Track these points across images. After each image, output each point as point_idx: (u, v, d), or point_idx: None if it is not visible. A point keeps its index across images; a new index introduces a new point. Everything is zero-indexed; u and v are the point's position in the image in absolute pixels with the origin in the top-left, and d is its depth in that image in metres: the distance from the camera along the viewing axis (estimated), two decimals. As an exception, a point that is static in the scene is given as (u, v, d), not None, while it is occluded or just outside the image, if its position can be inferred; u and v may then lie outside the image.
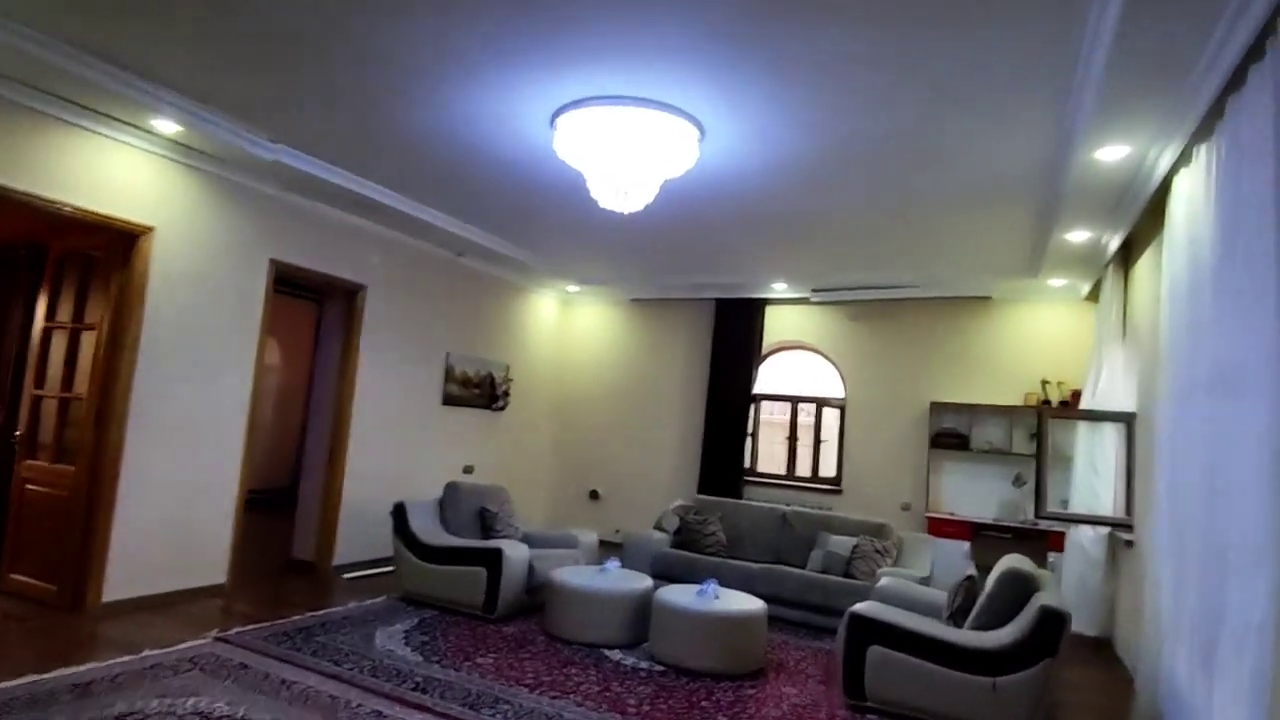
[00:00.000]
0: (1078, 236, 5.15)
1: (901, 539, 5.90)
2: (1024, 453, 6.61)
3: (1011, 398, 6.82)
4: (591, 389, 8.80)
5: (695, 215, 5.62)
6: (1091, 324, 6.44)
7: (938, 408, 7.01)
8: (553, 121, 3.93)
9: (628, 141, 3.80)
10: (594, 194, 4.14)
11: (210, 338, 5.01)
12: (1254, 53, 2.60)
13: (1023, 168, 4.18)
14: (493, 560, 4.93)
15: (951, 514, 6.80)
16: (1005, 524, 6.50)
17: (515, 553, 5.03)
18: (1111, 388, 5.47)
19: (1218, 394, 2.81)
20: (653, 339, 8.51)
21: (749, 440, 7.94)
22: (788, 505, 7.08)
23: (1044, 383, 6.66)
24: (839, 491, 7.44)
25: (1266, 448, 2.35)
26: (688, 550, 6.15)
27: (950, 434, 6.89)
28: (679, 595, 4.44)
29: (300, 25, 3.27)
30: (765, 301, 7.90)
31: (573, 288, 8.60)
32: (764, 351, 8.02)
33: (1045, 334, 6.84)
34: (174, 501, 4.82)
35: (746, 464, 7.97)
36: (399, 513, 5.33)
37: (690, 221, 5.80)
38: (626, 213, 4.14)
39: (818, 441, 7.78)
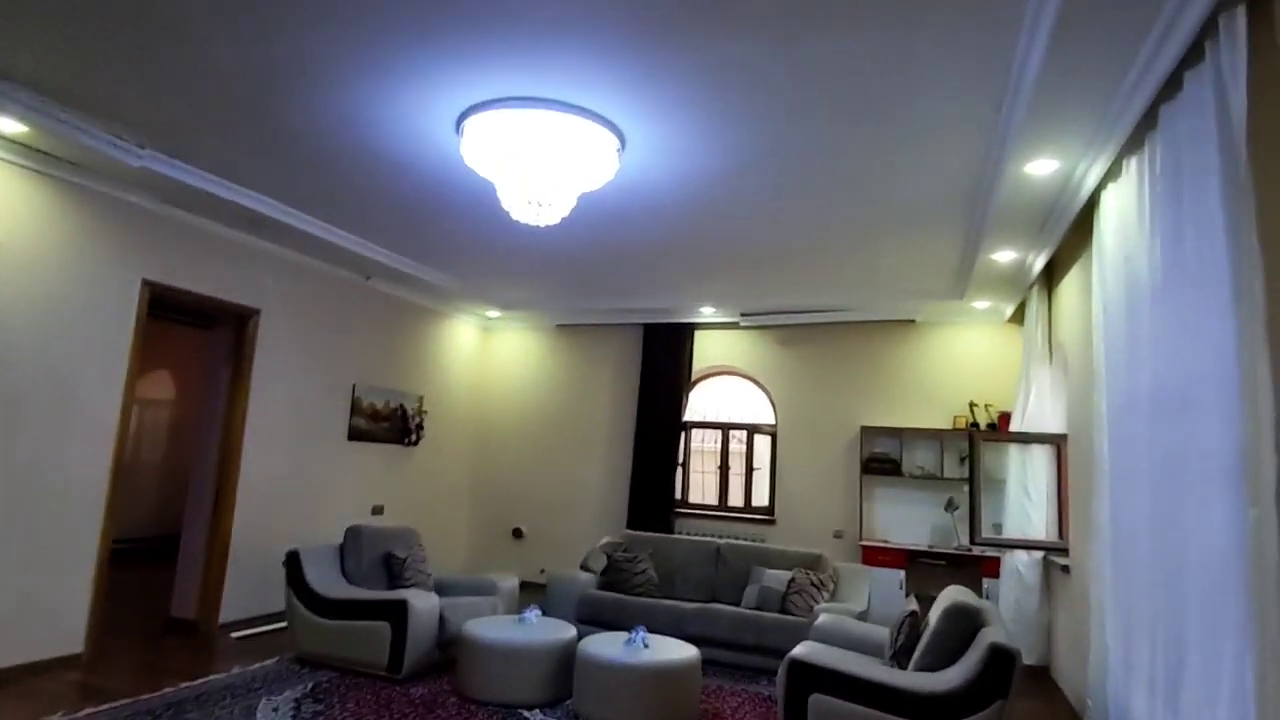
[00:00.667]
0: (1004, 257, 5.10)
1: (838, 570, 5.68)
2: (955, 477, 6.53)
3: (940, 421, 6.76)
4: (514, 421, 8.35)
5: (617, 235, 5.34)
6: (1015, 345, 6.46)
7: (869, 432, 6.89)
8: (459, 125, 3.58)
9: (541, 148, 3.49)
10: (505, 205, 3.80)
11: (63, 370, 4.38)
12: (1190, 57, 2.50)
13: (951, 185, 4.08)
14: (397, 613, 4.43)
15: (885, 541, 6.64)
16: (939, 550, 6.38)
17: (423, 603, 4.54)
18: (1040, 409, 5.43)
19: (1167, 413, 2.67)
20: (579, 366, 8.15)
21: (679, 470, 7.64)
22: (721, 538, 6.80)
23: (972, 405, 6.62)
24: (772, 521, 7.21)
25: (1225, 466, 2.18)
26: (617, 591, 5.76)
27: (882, 459, 6.77)
28: (605, 646, 4.05)
29: (172, 12, 2.84)
30: (694, 326, 7.67)
31: (493, 313, 8.18)
32: (694, 378, 7.77)
33: (971, 356, 6.83)
34: (11, 561, 4.14)
35: (678, 495, 7.66)
36: (292, 562, 4.77)
37: (613, 241, 5.52)
38: (542, 226, 3.82)
39: (749, 470, 7.54)
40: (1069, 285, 4.84)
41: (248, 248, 5.60)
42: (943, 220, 4.66)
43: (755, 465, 7.55)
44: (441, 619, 4.64)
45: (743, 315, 7.37)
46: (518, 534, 8.07)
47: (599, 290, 7.13)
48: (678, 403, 7.52)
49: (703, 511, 7.53)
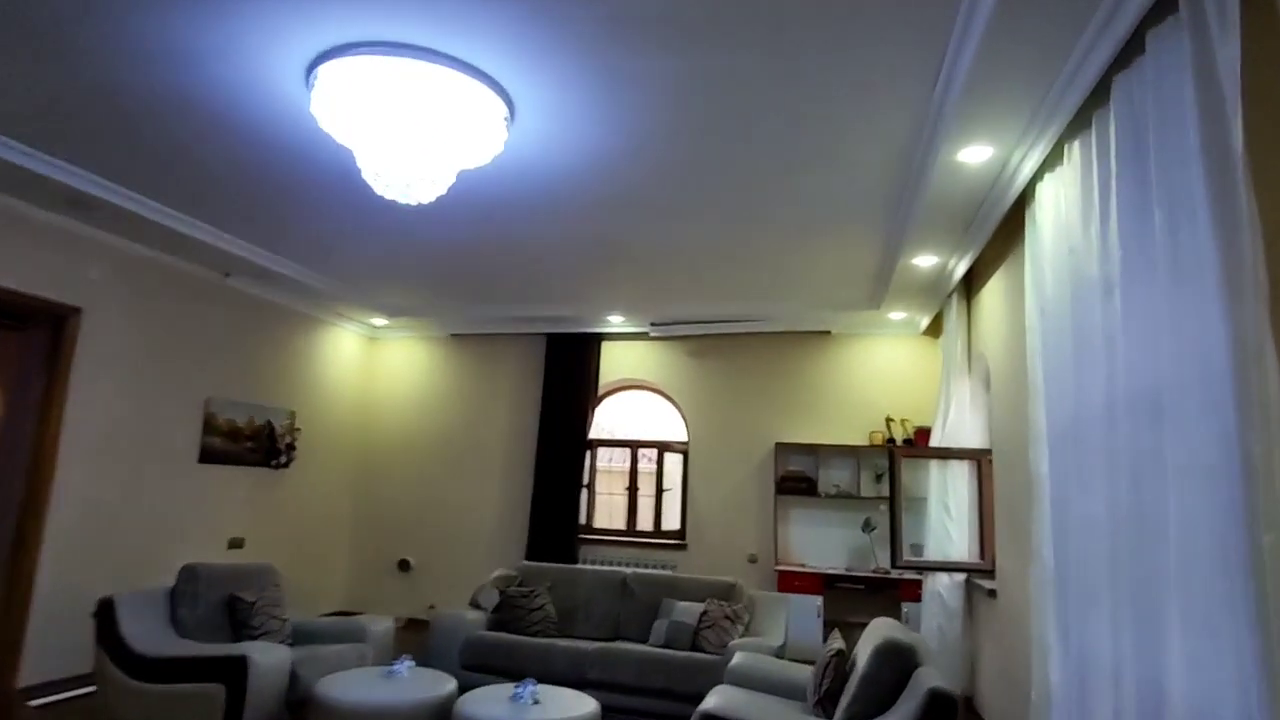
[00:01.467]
0: (925, 262, 4.84)
1: (753, 599, 5.23)
2: (871, 495, 6.24)
3: (857, 437, 6.48)
4: (402, 441, 7.57)
5: (511, 229, 4.79)
6: (932, 358, 6.26)
7: (783, 449, 6.53)
8: (309, 75, 2.95)
9: (411, 108, 2.90)
10: (366, 177, 3.18)
11: None
12: (1153, 15, 2.19)
13: (875, 178, 3.75)
14: (234, 671, 3.64)
15: (802, 565, 6.27)
16: (857, 574, 6.04)
17: (269, 658, 3.77)
18: (960, 423, 5.18)
19: (1133, 421, 2.32)
20: (476, 380, 7.47)
21: (585, 493, 7.06)
22: (630, 567, 6.28)
23: (888, 420, 6.37)
24: (683, 546, 6.72)
25: (1216, 482, 1.82)
26: (509, 631, 5.11)
27: (796, 477, 6.41)
28: (488, 704, 3.43)
29: None
30: (601, 336, 7.15)
31: (379, 321, 7.41)
32: (601, 392, 7.24)
33: (887, 370, 6.60)
34: None
35: (583, 520, 7.08)
36: (105, 613, 3.91)
37: (506, 237, 4.96)
38: (413, 204, 3.21)
39: (659, 491, 7.05)
40: (991, 293, 4.61)
41: (68, 234, 4.71)
42: (863, 219, 4.33)
43: (666, 486, 7.06)
44: (293, 676, 3.87)
45: (652, 325, 6.91)
46: (404, 566, 7.27)
47: (496, 296, 6.52)
48: (583, 419, 6.96)
49: (611, 537, 6.96)
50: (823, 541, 6.39)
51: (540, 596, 5.32)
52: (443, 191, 3.20)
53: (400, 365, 7.73)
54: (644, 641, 5.05)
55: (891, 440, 6.29)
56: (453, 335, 7.59)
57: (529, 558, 6.77)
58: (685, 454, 6.94)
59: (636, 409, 7.44)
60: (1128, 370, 2.38)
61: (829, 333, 6.70)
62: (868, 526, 6.20)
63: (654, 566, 6.57)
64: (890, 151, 3.45)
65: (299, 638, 4.50)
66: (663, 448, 7.12)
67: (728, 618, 4.91)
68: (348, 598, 7.36)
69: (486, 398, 7.40)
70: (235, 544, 6.01)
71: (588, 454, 7.01)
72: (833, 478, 6.45)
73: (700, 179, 3.87)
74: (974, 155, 3.30)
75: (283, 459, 6.45)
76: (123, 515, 5.09)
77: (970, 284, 5.17)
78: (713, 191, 4.02)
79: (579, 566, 5.63)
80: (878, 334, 6.65)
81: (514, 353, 7.41)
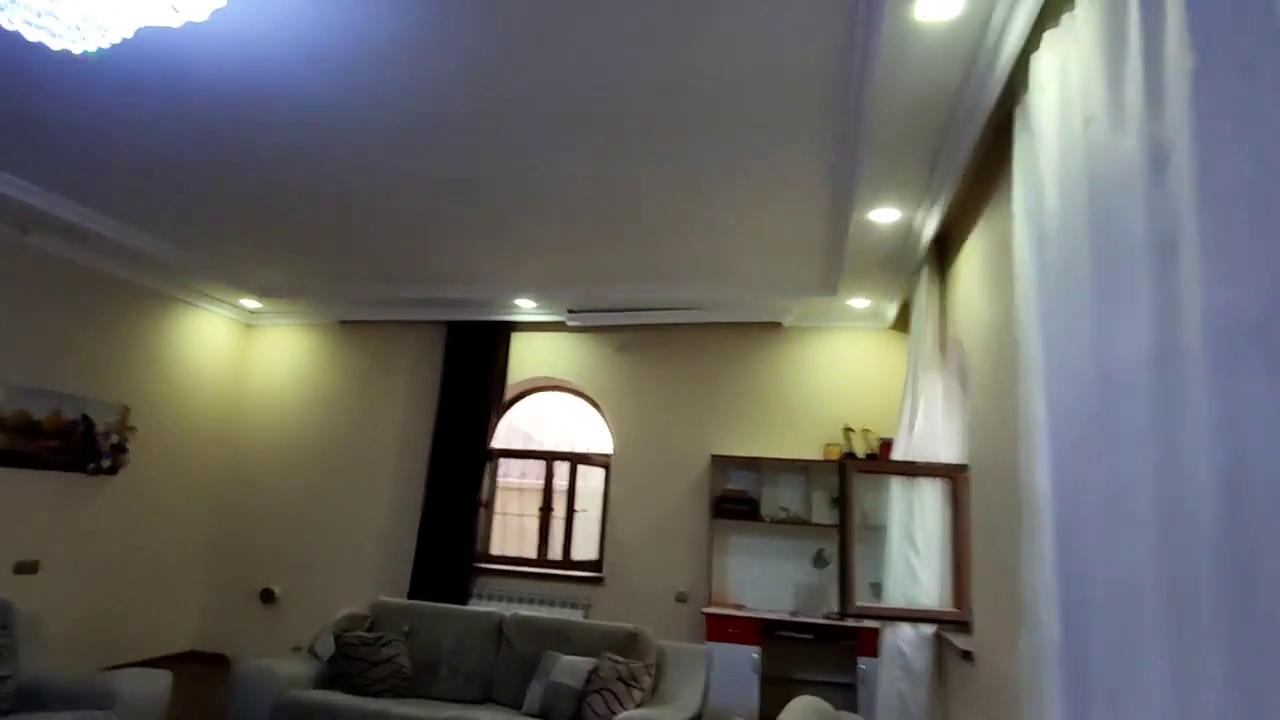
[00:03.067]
0: (886, 217, 3.76)
1: (664, 652, 4.06)
2: (826, 522, 5.09)
3: (809, 450, 5.34)
4: (277, 446, 6.36)
5: (383, 186, 3.67)
6: (900, 356, 5.16)
7: (721, 464, 5.38)
8: None
9: None
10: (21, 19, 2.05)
11: None
12: None
13: (810, 55, 2.64)
14: None
15: (740, 606, 5.09)
16: (805, 620, 4.87)
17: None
18: (930, 431, 4.06)
19: (1219, 374, 1.21)
20: (368, 377, 6.30)
21: (483, 513, 5.87)
22: (532, 605, 5.13)
23: (847, 431, 5.24)
24: (599, 580, 5.53)
25: None
26: (345, 689, 3.92)
27: (736, 498, 5.26)
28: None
29: None
30: (510, 326, 6.02)
31: (251, 303, 6.24)
32: (511, 393, 6.09)
33: (847, 370, 5.49)
34: None
35: (482, 545, 5.89)
36: None
37: (379, 197, 3.84)
38: (59, 49, 2.08)
39: (570, 512, 5.86)
40: (970, 257, 3.52)
41: None
42: (800, 135, 3.23)
43: (580, 506, 5.88)
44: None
45: (570, 312, 5.78)
46: (268, 597, 6.03)
47: (387, 274, 5.38)
48: (484, 425, 5.79)
49: (515, 567, 5.76)
50: (766, 577, 5.23)
51: (392, 645, 4.12)
52: (111, 40, 2.07)
53: (279, 357, 6.54)
54: (518, 707, 3.87)
55: (850, 454, 5.16)
56: (341, 322, 6.43)
57: (413, 590, 5.57)
58: (607, 468, 5.78)
59: (553, 413, 6.29)
60: (1205, 288, 1.27)
61: (779, 325, 5.59)
62: (820, 560, 5.05)
63: (564, 604, 5.40)
64: (826, 13, 2.35)
65: (25, 702, 3.29)
66: (578, 460, 5.95)
67: (623, 679, 3.73)
68: (202, 635, 6.10)
69: (378, 397, 6.23)
70: (25, 568, 4.78)
71: (486, 468, 5.83)
72: (780, 498, 5.30)
73: (599, 93, 2.77)
74: (937, 8, 2.21)
75: (105, 462, 5.23)
76: None
77: (944, 254, 4.09)
78: (613, 113, 2.92)
79: (448, 607, 4.45)
80: (837, 327, 5.55)
81: (411, 344, 6.25)
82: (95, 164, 3.94)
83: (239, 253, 5.18)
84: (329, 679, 4.01)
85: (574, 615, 5.36)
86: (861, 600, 4.06)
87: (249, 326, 6.65)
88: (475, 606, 5.45)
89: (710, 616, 4.88)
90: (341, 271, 5.41)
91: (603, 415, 5.86)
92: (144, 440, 5.59)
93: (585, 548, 5.81)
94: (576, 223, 4.25)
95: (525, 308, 5.79)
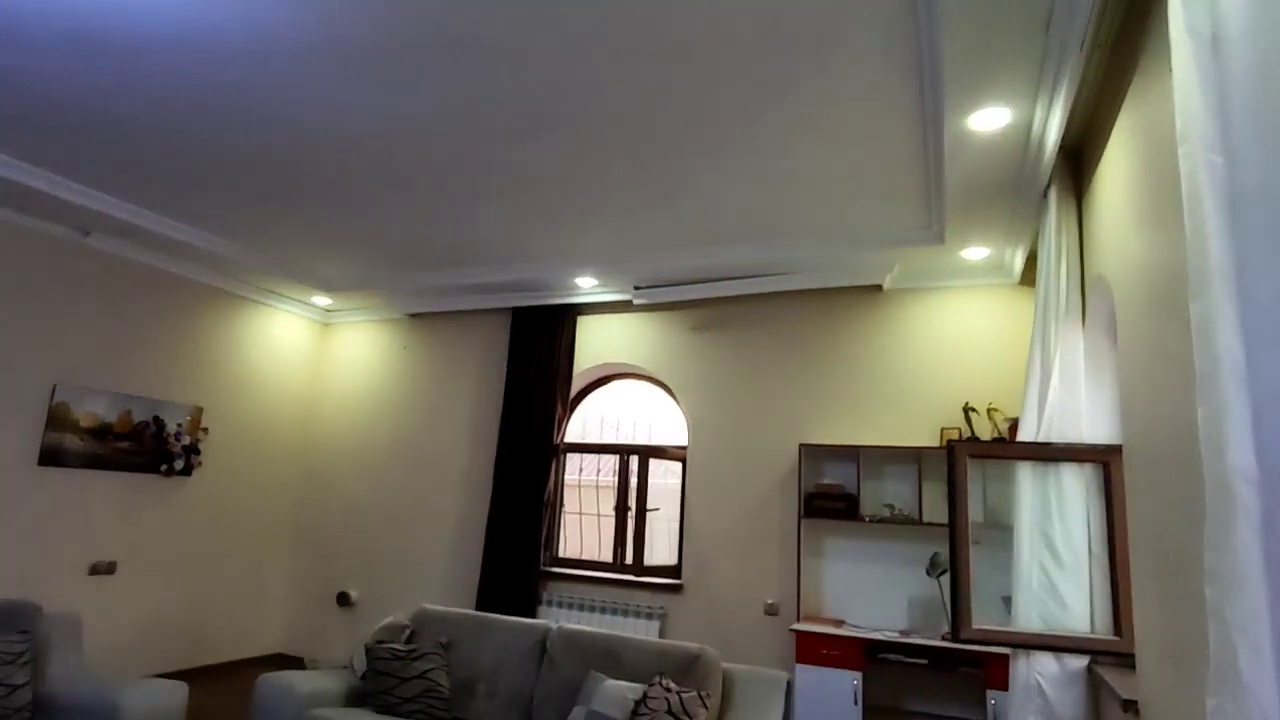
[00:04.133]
0: (991, 120, 2.88)
1: (732, 679, 3.37)
2: (942, 521, 4.18)
3: (921, 435, 4.45)
4: (353, 445, 6.21)
5: (431, 159, 3.27)
6: (1031, 318, 4.15)
7: (812, 454, 4.60)
8: None
9: None
10: None
11: None
12: None
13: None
14: None
15: (838, 622, 4.30)
16: (918, 642, 3.99)
17: None
18: (1069, 405, 3.13)
19: None
20: (438, 371, 6.01)
21: (551, 512, 5.38)
22: (579, 619, 4.61)
23: (968, 410, 4.31)
24: (677, 587, 4.89)
25: None
26: (373, 707, 3.53)
27: (831, 494, 4.45)
28: None
29: None
30: (575, 309, 5.51)
31: (321, 299, 6.11)
32: (580, 382, 5.59)
33: (965, 337, 4.53)
34: None
35: (553, 547, 5.42)
36: None
37: (433, 180, 3.44)
38: None
39: (641, 511, 5.25)
40: (1114, 168, 2.59)
41: None
42: (873, 33, 2.47)
43: (652, 505, 5.26)
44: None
45: (636, 289, 5.19)
46: (344, 600, 5.85)
47: (448, 258, 5.05)
48: (549, 418, 5.31)
49: (587, 572, 5.23)
50: (870, 588, 4.39)
51: (427, 659, 3.69)
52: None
53: (353, 355, 6.40)
54: (561, 737, 3.33)
55: (973, 438, 4.22)
56: (410, 316, 6.19)
57: (481, 596, 5.18)
58: (684, 461, 5.13)
59: (627, 404, 5.71)
60: None
61: (878, 288, 4.73)
62: (936, 568, 4.15)
63: (638, 614, 4.82)
64: None
65: (37, 713, 3.12)
66: (649, 454, 5.32)
67: (674, 712, 3.08)
68: (288, 638, 6.03)
69: (448, 393, 5.92)
70: (101, 569, 4.79)
71: (554, 464, 5.33)
72: (884, 494, 4.44)
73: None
74: None
75: (178, 464, 5.21)
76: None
77: (1077, 168, 3.14)
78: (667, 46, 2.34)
79: (491, 617, 3.95)
80: (950, 286, 4.61)
81: (479, 335, 5.90)
82: (154, 165, 3.90)
83: (300, 247, 5.03)
84: (358, 696, 3.64)
85: (649, 628, 4.76)
86: (983, 620, 3.18)
87: (325, 325, 6.56)
88: (542, 616, 4.99)
89: (801, 634, 4.11)
90: (401, 257, 5.12)
91: (678, 403, 5.22)
92: (218, 441, 5.56)
93: (662, 551, 5.19)
94: (636, 182, 3.66)
95: (587, 287, 5.26)
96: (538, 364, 5.43)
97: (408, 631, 3.95)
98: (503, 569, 5.18)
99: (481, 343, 5.85)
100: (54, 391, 4.57)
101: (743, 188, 3.69)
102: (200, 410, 5.42)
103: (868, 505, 4.41)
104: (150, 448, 5.08)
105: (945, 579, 4.14)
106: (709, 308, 5.15)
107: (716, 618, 4.69)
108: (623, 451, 5.40)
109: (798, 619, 4.30)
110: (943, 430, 4.40)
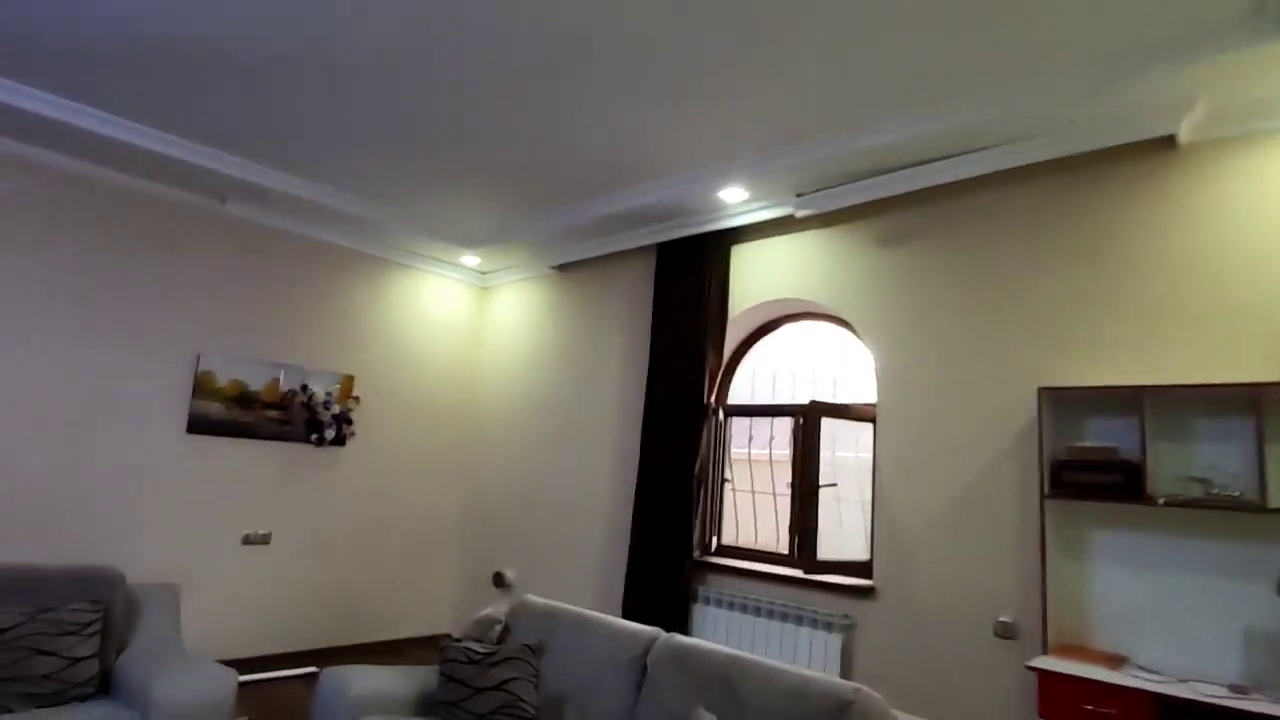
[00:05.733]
0: None
1: (914, 743, 2.13)
2: (1308, 507, 2.48)
3: (1257, 366, 2.73)
4: (508, 413, 5.71)
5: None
6: None
7: (1060, 403, 3.07)
8: None
9: None
10: None
11: None
12: None
13: None
14: None
15: (1115, 659, 2.77)
16: (1265, 708, 2.35)
17: None
18: None
19: None
20: (585, 328, 5.28)
21: (704, 490, 4.34)
22: (742, 623, 3.60)
23: (1353, 320, 2.52)
24: (869, 590, 3.60)
25: None
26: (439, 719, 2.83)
27: (1097, 463, 2.89)
28: None
29: None
30: (728, 237, 4.42)
31: (470, 258, 5.68)
32: (742, 328, 4.50)
33: (1344, 203, 2.70)
34: None
35: (716, 533, 4.39)
36: None
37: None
38: None
39: (807, 486, 3.98)
40: None
41: (-41, 140, 3.82)
42: None
43: (833, 480, 3.98)
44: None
45: (798, 197, 3.97)
46: (499, 582, 5.35)
47: (573, 184, 4.31)
48: (699, 373, 4.29)
49: (760, 564, 4.13)
50: (1173, 611, 2.77)
51: (511, 664, 2.91)
52: None
53: (508, 318, 5.90)
54: (656, 797, 2.34)
55: (1367, 367, 2.44)
56: (556, 269, 5.53)
57: (628, 589, 4.34)
58: (874, 423, 3.81)
59: (806, 353, 4.50)
60: None
61: (1171, 141, 3.03)
62: (1298, 585, 2.46)
63: (815, 622, 3.66)
64: None
65: (106, 686, 2.86)
66: (821, 414, 4.00)
67: (800, 795, 1.93)
68: (454, 618, 5.71)
69: (598, 352, 5.16)
70: (255, 539, 4.73)
71: (706, 428, 4.29)
72: (1191, 462, 2.79)
73: None
74: None
75: (328, 434, 5.04)
76: (47, 492, 4.06)
77: None
78: None
79: (592, 616, 3.02)
80: (1307, 123, 2.80)
81: (624, 282, 5.05)
82: (289, 126, 3.77)
83: (433, 200, 4.67)
84: (429, 704, 2.96)
85: (828, 643, 3.56)
86: None
87: (483, 289, 6.16)
88: (698, 617, 4.02)
89: (1047, 676, 2.66)
90: (530, 193, 4.49)
91: (865, 346, 3.90)
92: (372, 411, 5.34)
93: (853, 541, 3.92)
94: (779, 29, 2.57)
95: (737, 202, 4.15)
96: (685, 308, 4.44)
97: (499, 627, 3.21)
98: (650, 557, 4.28)
99: (628, 291, 4.99)
100: (198, 360, 4.54)
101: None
102: (351, 379, 5.23)
103: (1162, 479, 2.80)
104: (299, 417, 4.95)
105: (1320, 604, 2.45)
106: (899, 211, 3.77)
107: (922, 636, 3.35)
108: (794, 414, 4.21)
109: (1043, 649, 2.84)
110: (1300, 358, 2.65)
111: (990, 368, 3.36)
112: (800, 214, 3.97)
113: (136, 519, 4.26)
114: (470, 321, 6.06)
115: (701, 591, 4.14)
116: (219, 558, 4.56)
